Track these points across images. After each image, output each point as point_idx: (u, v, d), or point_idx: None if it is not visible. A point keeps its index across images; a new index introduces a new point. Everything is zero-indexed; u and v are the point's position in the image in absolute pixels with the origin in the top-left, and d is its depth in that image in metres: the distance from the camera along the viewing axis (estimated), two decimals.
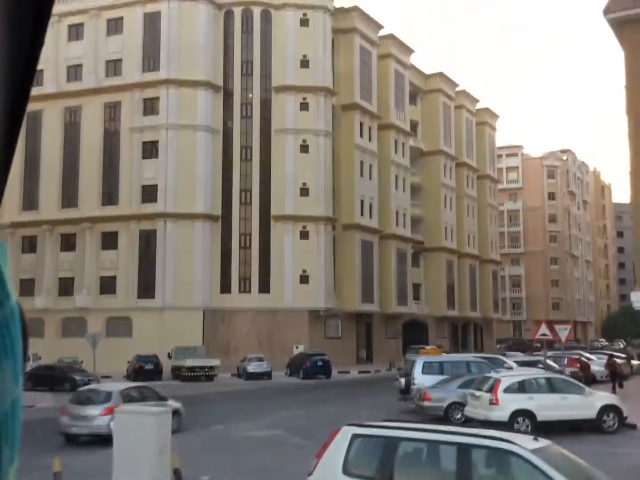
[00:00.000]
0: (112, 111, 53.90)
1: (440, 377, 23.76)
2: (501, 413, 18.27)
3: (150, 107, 52.91)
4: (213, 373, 43.80)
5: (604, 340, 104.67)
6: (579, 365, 34.22)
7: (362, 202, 57.44)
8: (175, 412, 18.57)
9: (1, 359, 0.40)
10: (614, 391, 27.21)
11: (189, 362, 43.00)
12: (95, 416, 18.16)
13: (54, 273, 53.08)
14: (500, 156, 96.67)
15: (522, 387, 18.69)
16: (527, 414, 18.30)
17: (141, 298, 51.03)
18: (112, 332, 47.78)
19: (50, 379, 35.88)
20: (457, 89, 75.21)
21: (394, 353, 60.86)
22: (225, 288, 52.28)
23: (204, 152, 51.86)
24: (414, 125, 68.94)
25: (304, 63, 53.85)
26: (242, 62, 54.08)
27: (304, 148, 53.10)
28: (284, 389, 38.17)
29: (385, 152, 61.27)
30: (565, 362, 34.30)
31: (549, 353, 41.57)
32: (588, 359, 37.42)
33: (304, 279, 52.09)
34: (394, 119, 62.63)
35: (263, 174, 53.15)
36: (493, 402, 18.34)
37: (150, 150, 52.61)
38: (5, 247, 0.46)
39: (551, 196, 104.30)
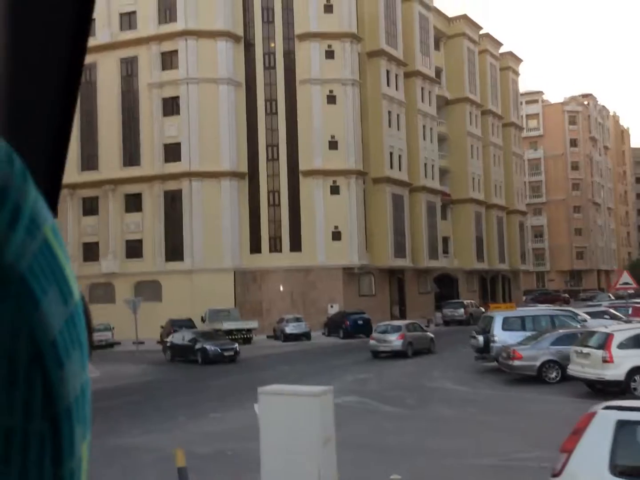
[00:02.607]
0: (129, 67, 51.35)
1: (522, 333, 22.02)
2: (617, 371, 16.51)
3: (168, 61, 50.33)
4: (250, 335, 42.35)
5: None
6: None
7: (391, 154, 55.13)
8: (432, 339, 31.42)
9: (69, 350, 0.45)
10: None
11: (226, 325, 41.45)
12: (393, 340, 29.47)
13: (77, 238, 51.20)
14: (520, 103, 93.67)
15: (637, 342, 16.89)
16: None
17: (169, 261, 49.28)
18: (141, 297, 46.12)
19: (183, 349, 32.44)
20: (481, 32, 72.11)
21: (426, 309, 59.38)
22: (256, 248, 50.45)
23: (227, 107, 49.45)
24: (437, 73, 66.11)
25: (328, 8, 50.95)
26: (262, 9, 51.16)
27: (331, 99, 50.62)
28: (329, 349, 36.65)
29: (411, 101, 58.70)
30: (631, 312, 32.65)
31: (605, 303, 39.93)
32: None
33: (336, 236, 50.20)
34: (419, 66, 59.87)
35: (289, 128, 50.80)
36: (607, 360, 16.56)
37: (171, 106, 50.20)
38: (65, 245, 0.49)
39: (573, 143, 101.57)
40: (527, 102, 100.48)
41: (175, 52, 49.85)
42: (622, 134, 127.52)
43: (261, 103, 51.00)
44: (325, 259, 49.87)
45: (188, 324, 42.56)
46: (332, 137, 50.25)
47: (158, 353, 38.33)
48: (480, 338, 22.51)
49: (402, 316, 57.21)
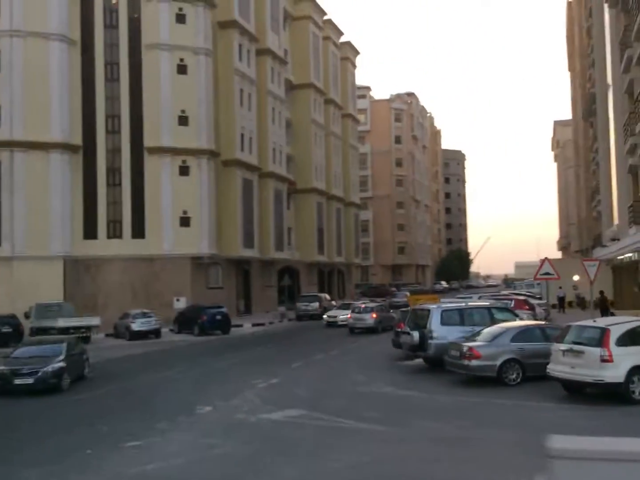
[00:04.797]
0: None
1: (461, 329, 19.50)
2: (616, 372, 14.27)
3: None
4: (89, 334, 36.22)
5: (444, 282, 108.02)
6: (527, 307, 31.96)
7: (242, 135, 51.07)
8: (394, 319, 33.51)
9: None
10: None
11: (62, 322, 35.02)
12: (367, 319, 35.03)
13: None
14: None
15: (633, 338, 14.84)
16: None
17: None
18: None
19: None
20: (325, 17, 70.21)
21: (271, 303, 56.25)
22: (90, 233, 44.00)
23: (59, 67, 42.49)
24: (284, 55, 63.03)
25: None
26: None
27: (182, 68, 45.50)
28: (194, 349, 31.99)
29: (262, 81, 55.06)
30: (513, 304, 31.84)
31: (477, 296, 39.27)
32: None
33: (185, 222, 45.28)
34: (270, 44, 56.35)
35: (134, 98, 44.88)
36: (606, 359, 14.30)
37: None
38: None
39: (398, 140, 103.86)
40: (357, 97, 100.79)
41: None
42: (436, 135, 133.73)
43: (100, 66, 44.60)
44: (171, 247, 44.81)
45: (12, 321, 35.70)
46: (183, 111, 45.21)
47: None
48: (416, 334, 19.57)
49: (248, 311, 53.55)
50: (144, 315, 38.10)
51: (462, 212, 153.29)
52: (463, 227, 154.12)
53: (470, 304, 20.84)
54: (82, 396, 18.96)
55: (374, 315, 34.92)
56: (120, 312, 39.44)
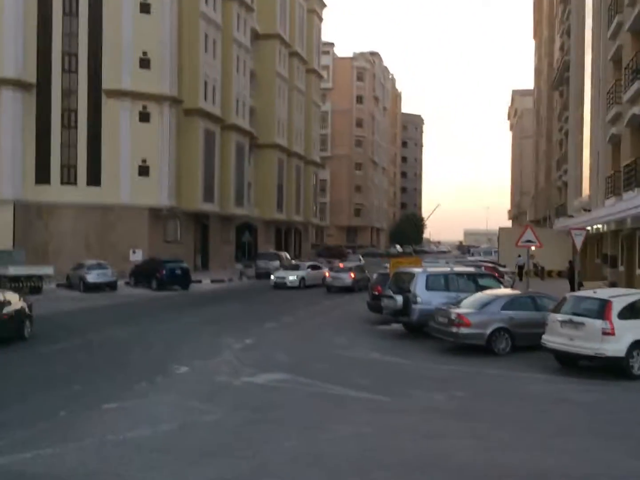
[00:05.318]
0: None
1: (445, 294, 18.78)
2: (618, 346, 13.74)
3: None
4: (40, 284, 34.48)
5: (399, 246, 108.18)
6: (497, 274, 31.60)
7: (205, 83, 49.00)
8: (369, 279, 33.16)
9: None
10: None
11: (13, 270, 33.26)
12: (345, 278, 35.46)
13: None
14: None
15: (634, 311, 14.32)
16: None
17: None
18: None
19: None
20: None
21: (228, 259, 55.04)
22: (43, 177, 41.75)
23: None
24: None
25: None
26: None
27: (145, 7, 43.08)
28: (155, 304, 30.76)
29: (228, 27, 52.76)
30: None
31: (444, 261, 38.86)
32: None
33: (144, 171, 43.38)
34: None
35: (93, 36, 42.32)
36: (608, 332, 13.74)
37: None
38: None
39: (359, 99, 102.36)
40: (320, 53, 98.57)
41: None
42: (397, 98, 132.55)
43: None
44: (129, 197, 42.98)
45: None
46: (144, 53, 42.93)
47: None
48: (399, 299, 18.76)
49: (205, 266, 52.23)
50: (100, 266, 36.53)
51: (418, 177, 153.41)
52: (418, 192, 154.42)
53: (455, 269, 20.08)
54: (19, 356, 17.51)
55: (352, 275, 35.45)
56: (72, 262, 37.80)
